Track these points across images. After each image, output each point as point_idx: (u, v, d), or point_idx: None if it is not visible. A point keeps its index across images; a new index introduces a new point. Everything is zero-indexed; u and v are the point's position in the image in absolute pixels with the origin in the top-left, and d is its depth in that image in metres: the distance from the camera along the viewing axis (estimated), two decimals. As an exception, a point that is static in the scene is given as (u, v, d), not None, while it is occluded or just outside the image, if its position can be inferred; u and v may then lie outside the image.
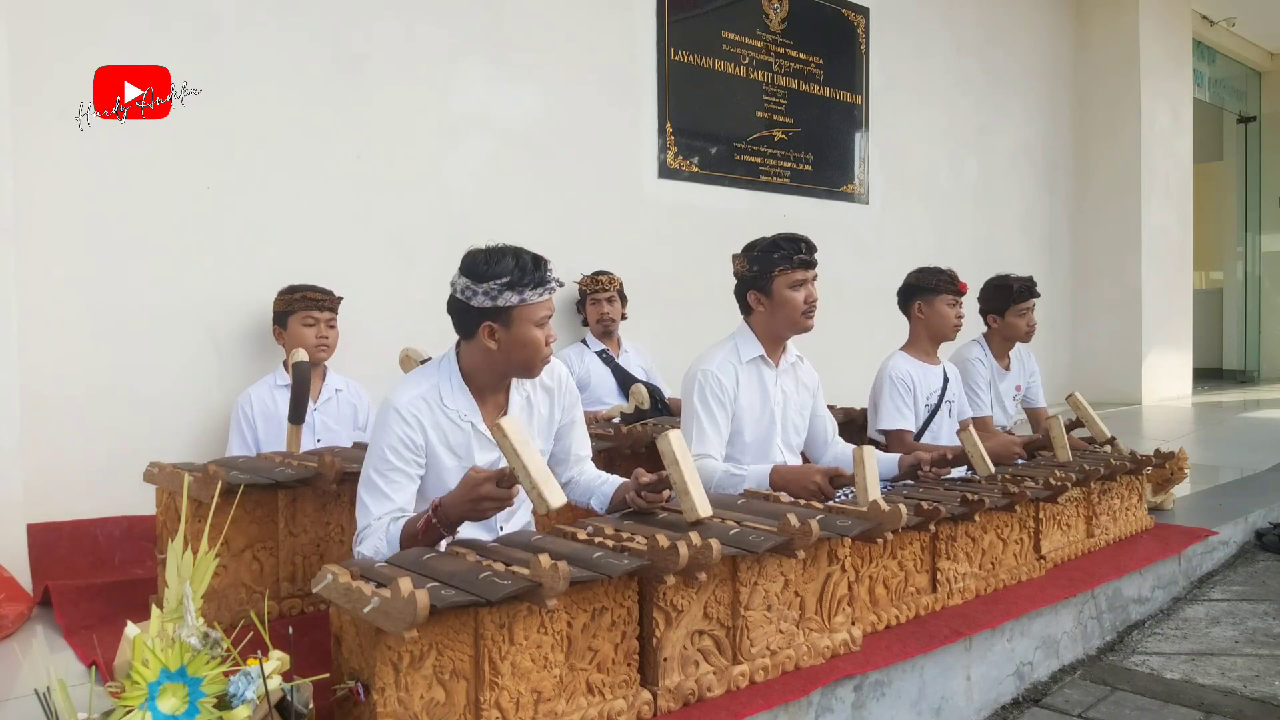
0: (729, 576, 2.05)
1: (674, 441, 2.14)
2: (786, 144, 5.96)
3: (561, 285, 2.24)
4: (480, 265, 2.15)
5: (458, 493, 2.00)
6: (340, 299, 3.56)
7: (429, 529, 2.02)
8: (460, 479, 2.22)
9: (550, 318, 2.22)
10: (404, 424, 2.17)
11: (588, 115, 4.94)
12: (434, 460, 2.22)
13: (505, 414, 2.30)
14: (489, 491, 1.94)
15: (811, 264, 2.84)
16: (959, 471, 3.35)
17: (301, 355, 3.30)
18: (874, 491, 2.45)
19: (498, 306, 2.14)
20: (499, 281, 2.12)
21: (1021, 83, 7.88)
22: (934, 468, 2.90)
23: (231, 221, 3.68)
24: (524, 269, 2.14)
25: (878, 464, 3.00)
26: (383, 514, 2.14)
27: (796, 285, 2.81)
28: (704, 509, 2.15)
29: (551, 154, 4.77)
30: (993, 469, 2.96)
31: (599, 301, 4.46)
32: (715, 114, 5.59)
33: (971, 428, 3.03)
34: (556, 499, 1.89)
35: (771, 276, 2.80)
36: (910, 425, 3.44)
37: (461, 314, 2.20)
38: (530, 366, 2.24)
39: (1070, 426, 3.74)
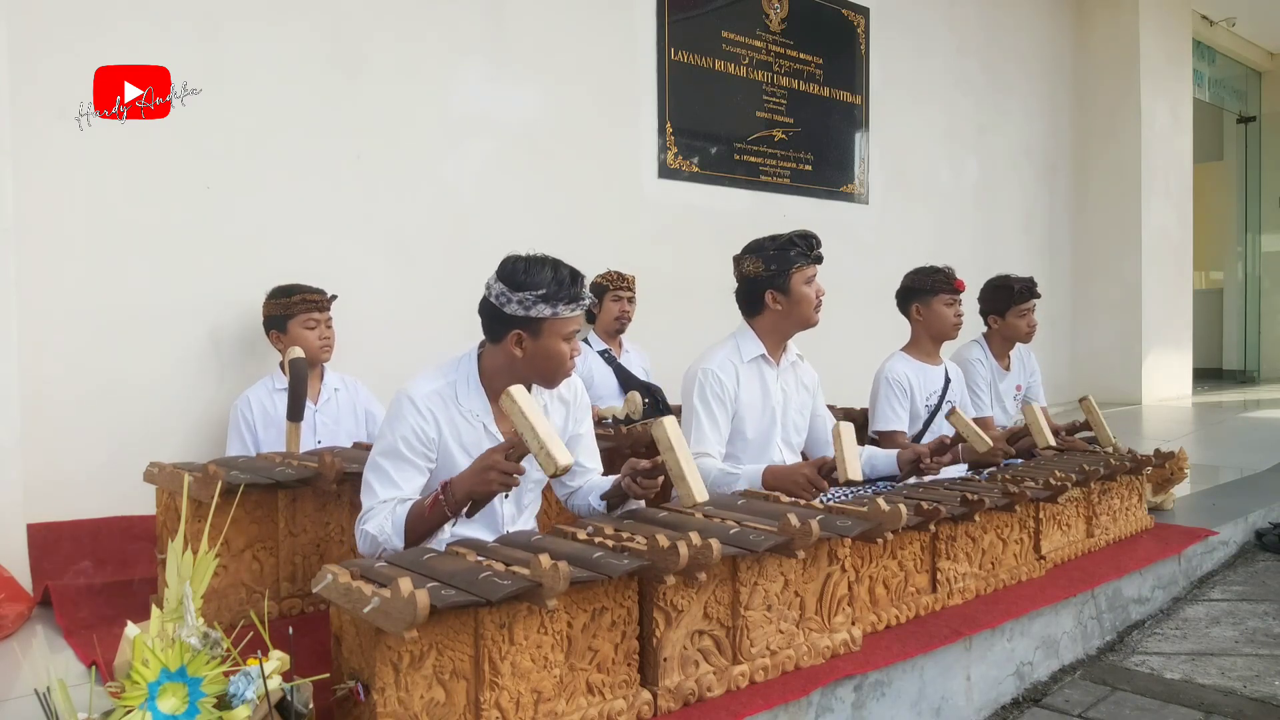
0: (729, 576, 2.05)
1: (669, 428, 2.16)
2: (786, 144, 5.96)
3: (594, 301, 2.24)
4: (519, 274, 2.16)
5: (468, 469, 2.04)
6: (334, 297, 3.55)
7: (435, 506, 2.05)
8: None
9: (578, 333, 2.24)
10: (419, 416, 2.18)
11: (588, 115, 4.94)
12: (446, 457, 2.23)
13: None
14: (496, 461, 1.97)
15: (822, 259, 2.90)
16: (958, 470, 3.36)
17: (298, 352, 3.29)
18: (853, 465, 2.45)
19: (530, 317, 2.15)
20: (534, 293, 2.13)
21: (1021, 83, 7.88)
22: (935, 456, 2.89)
23: (231, 221, 3.68)
24: (561, 283, 2.15)
25: (867, 450, 3.02)
26: (389, 496, 2.15)
27: (810, 280, 2.86)
28: (700, 494, 2.16)
29: (551, 154, 4.77)
30: (990, 442, 2.94)
31: (621, 299, 4.46)
32: (715, 114, 5.59)
33: (958, 408, 3.00)
34: (564, 458, 1.92)
35: (789, 274, 2.83)
36: (904, 427, 3.44)
37: (492, 319, 2.22)
38: (552, 378, 2.27)
39: (1077, 429, 3.72)
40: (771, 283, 2.85)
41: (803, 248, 2.83)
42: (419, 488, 2.21)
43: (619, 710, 1.87)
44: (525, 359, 2.20)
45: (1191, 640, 3.07)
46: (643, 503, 2.53)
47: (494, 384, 2.26)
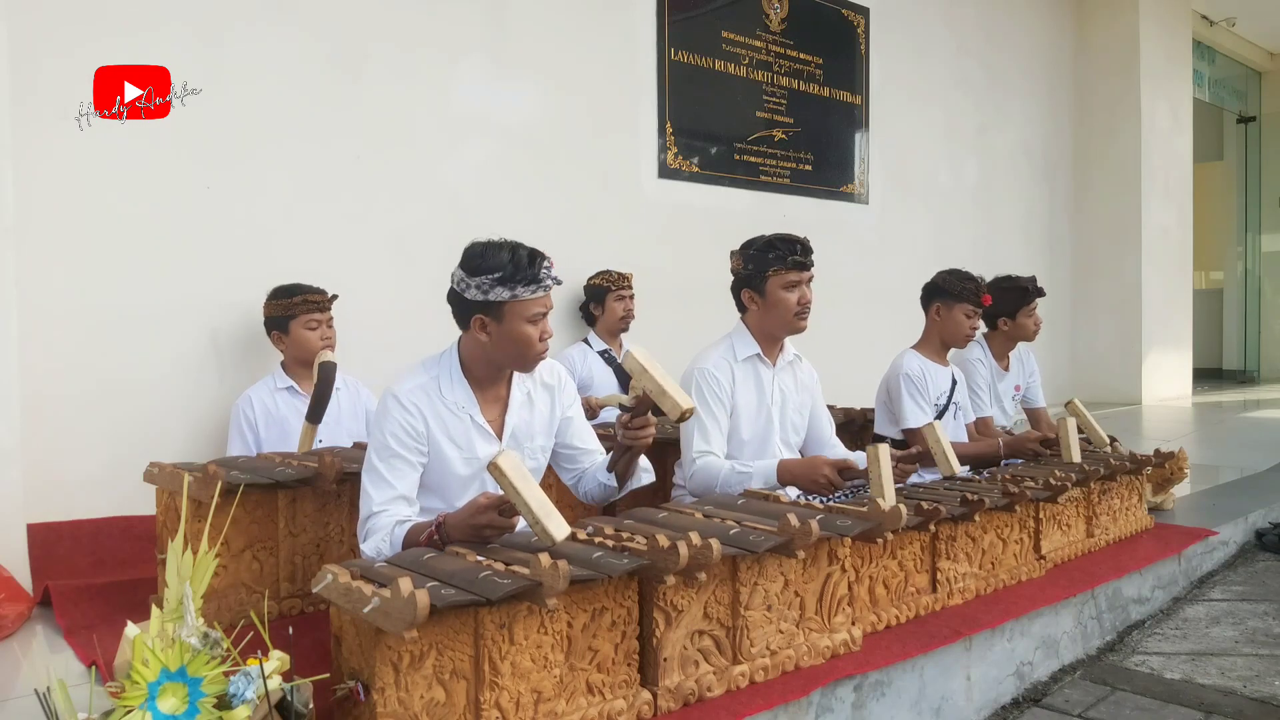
0: (729, 576, 2.05)
1: (638, 355, 2.20)
2: (786, 144, 5.96)
3: (559, 283, 2.22)
4: (475, 258, 2.16)
5: (462, 514, 2.01)
6: (335, 297, 3.55)
7: (430, 542, 2.03)
8: (462, 471, 2.26)
9: (545, 314, 2.22)
10: (404, 411, 2.19)
11: (588, 115, 4.94)
12: (436, 450, 2.23)
13: (506, 408, 2.32)
14: (491, 520, 1.95)
15: (806, 265, 2.83)
16: (962, 471, 3.34)
17: (328, 355, 3.31)
18: (889, 490, 2.44)
19: (489, 301, 2.15)
20: (491, 276, 2.13)
21: (1021, 83, 7.88)
22: (900, 465, 2.86)
23: (231, 221, 3.68)
24: (518, 264, 2.13)
25: (856, 454, 3.01)
26: (385, 500, 2.15)
27: (790, 286, 2.80)
28: (685, 401, 2.18)
29: (551, 154, 4.76)
30: (957, 468, 2.90)
31: (624, 298, 4.47)
32: (715, 114, 5.58)
33: (936, 424, 3.00)
34: (560, 531, 1.89)
35: (765, 276, 2.80)
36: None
37: (457, 306, 2.23)
38: (522, 362, 2.25)
39: None
40: (749, 282, 2.84)
41: (781, 251, 2.78)
42: (414, 482, 2.21)
43: (619, 710, 1.87)
44: (492, 343, 2.20)
45: (1191, 640, 3.07)
46: (651, 474, 2.51)
47: (474, 372, 2.28)
